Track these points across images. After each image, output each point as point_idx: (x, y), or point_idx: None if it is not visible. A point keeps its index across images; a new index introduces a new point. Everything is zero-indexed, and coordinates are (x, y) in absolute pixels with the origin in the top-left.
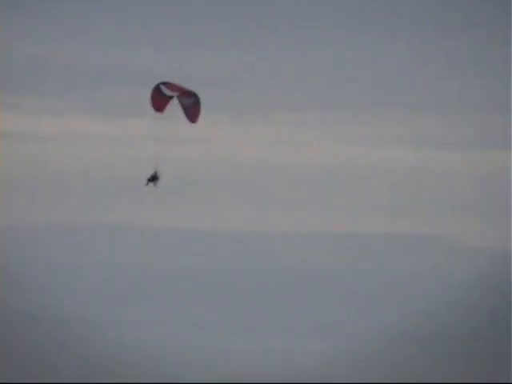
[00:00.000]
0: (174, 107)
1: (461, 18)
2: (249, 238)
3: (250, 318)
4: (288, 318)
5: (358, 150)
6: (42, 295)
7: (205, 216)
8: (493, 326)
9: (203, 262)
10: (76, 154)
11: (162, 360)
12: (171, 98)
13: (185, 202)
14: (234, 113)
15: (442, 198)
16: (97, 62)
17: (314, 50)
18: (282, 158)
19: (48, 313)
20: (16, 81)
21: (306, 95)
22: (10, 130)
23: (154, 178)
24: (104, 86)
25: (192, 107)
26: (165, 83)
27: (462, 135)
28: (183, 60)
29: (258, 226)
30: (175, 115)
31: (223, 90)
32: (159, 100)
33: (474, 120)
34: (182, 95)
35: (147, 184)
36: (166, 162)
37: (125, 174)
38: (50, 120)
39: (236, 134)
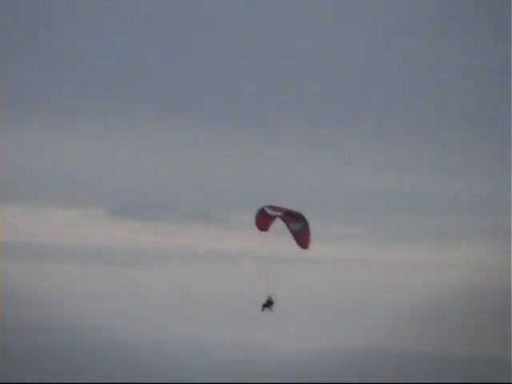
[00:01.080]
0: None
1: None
2: None
3: None
4: None
5: None
6: None
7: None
8: None
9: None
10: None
11: None
12: (274, 217)
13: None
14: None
15: None
16: None
17: None
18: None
19: None
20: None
21: None
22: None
23: (269, 303)
24: None
25: (301, 232)
26: (270, 206)
27: None
28: None
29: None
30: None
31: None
32: (263, 220)
33: None
34: (286, 216)
35: (263, 309)
36: (279, 283)
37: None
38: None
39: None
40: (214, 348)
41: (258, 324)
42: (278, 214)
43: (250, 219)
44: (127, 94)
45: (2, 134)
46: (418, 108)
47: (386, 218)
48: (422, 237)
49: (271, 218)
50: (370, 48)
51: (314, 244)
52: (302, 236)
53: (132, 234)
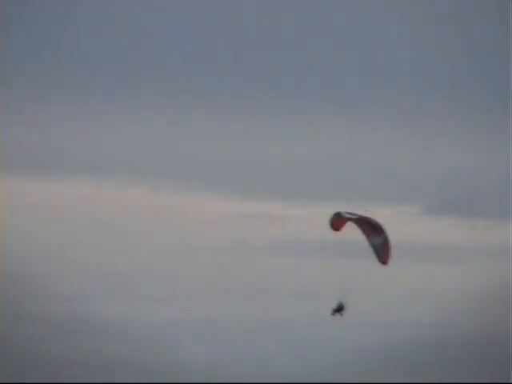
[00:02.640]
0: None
1: None
2: None
3: None
4: None
5: None
6: None
7: None
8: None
9: None
10: None
11: None
12: (348, 219)
13: None
14: None
15: None
16: None
17: None
18: None
19: None
20: None
21: None
22: None
23: (340, 309)
24: None
25: (381, 247)
26: (349, 212)
27: None
28: None
29: None
30: None
31: None
32: (337, 221)
33: None
34: (362, 224)
35: (333, 314)
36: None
37: None
38: None
39: None
40: None
41: None
42: (352, 216)
43: None
44: None
45: None
46: None
47: None
48: None
49: (344, 220)
50: None
51: None
52: (380, 250)
53: (448, 230)
